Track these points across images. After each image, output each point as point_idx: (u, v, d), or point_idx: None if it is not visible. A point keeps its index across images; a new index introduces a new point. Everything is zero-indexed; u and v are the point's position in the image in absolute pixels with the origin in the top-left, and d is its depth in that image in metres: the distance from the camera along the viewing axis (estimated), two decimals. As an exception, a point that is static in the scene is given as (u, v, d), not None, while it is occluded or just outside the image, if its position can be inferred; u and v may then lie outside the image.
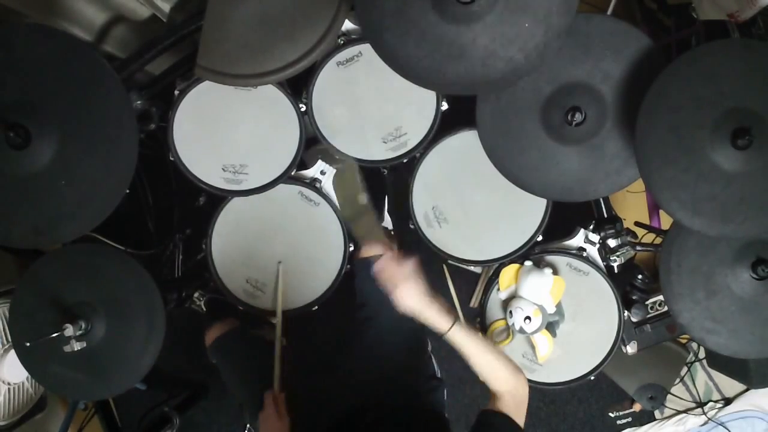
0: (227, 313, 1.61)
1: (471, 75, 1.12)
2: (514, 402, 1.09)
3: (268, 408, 1.24)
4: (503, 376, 1.11)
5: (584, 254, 1.48)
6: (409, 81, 1.16)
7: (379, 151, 1.45)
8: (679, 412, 2.17)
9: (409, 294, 1.11)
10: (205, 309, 1.77)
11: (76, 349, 1.19)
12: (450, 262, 1.56)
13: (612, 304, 1.46)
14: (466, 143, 1.44)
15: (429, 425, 1.18)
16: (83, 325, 1.22)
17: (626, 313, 1.49)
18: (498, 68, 1.11)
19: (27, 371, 1.33)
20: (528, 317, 1.39)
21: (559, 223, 1.50)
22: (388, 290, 1.12)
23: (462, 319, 1.13)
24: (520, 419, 1.08)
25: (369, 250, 1.51)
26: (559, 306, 1.44)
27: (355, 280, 1.52)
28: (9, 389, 1.65)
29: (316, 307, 1.51)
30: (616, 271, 1.53)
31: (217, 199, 1.49)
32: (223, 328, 1.56)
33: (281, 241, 1.51)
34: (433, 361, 1.51)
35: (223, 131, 1.42)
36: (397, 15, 1.10)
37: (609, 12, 1.59)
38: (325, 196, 1.49)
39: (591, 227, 1.52)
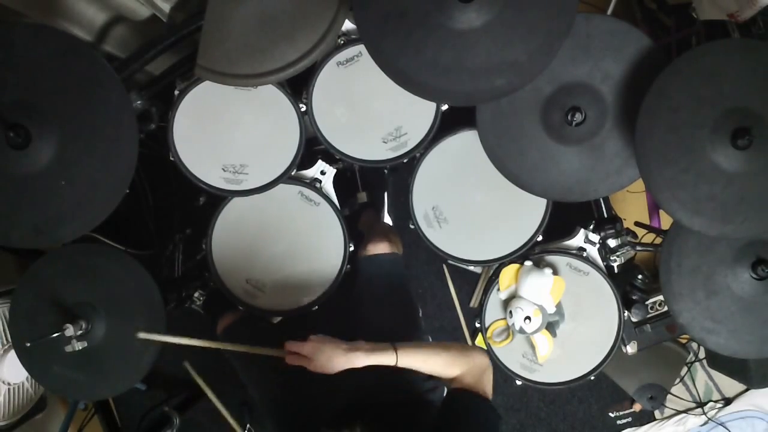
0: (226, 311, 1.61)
1: (471, 85, 1.13)
2: (471, 377, 1.11)
3: None
4: (454, 364, 1.13)
5: (584, 254, 1.48)
6: (409, 91, 1.17)
7: (379, 151, 1.45)
8: (679, 412, 2.17)
9: (341, 362, 1.10)
10: (202, 311, 1.78)
11: (77, 349, 1.19)
12: (450, 262, 1.56)
13: (612, 304, 1.46)
14: (466, 143, 1.44)
15: (426, 422, 1.18)
16: (84, 325, 1.22)
17: (626, 313, 1.49)
18: (497, 79, 1.12)
19: (27, 371, 1.33)
20: (528, 317, 1.39)
21: (559, 223, 1.50)
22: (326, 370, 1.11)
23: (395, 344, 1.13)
24: (482, 387, 1.11)
25: (375, 248, 1.52)
26: (559, 306, 1.44)
27: (357, 277, 1.52)
28: (9, 389, 1.65)
29: (316, 307, 1.51)
30: (616, 271, 1.54)
31: (217, 199, 1.49)
32: (234, 316, 1.56)
33: (281, 241, 1.51)
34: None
35: (223, 131, 1.42)
36: (396, 21, 1.11)
37: (609, 12, 1.59)
38: (325, 196, 1.49)
39: (591, 227, 1.52)
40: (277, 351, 1.15)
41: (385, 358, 1.11)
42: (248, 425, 2.11)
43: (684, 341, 2.13)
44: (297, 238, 1.51)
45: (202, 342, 1.23)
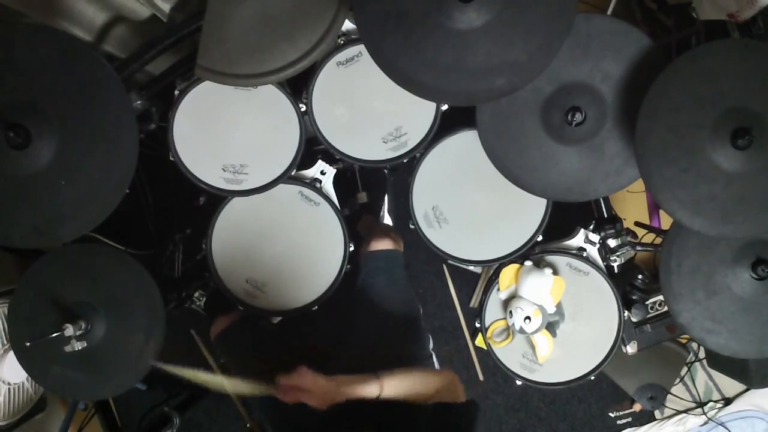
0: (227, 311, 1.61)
1: (471, 85, 1.13)
2: (448, 393, 1.16)
3: None
4: (433, 388, 1.16)
5: (584, 254, 1.48)
6: (409, 91, 1.17)
7: (379, 151, 1.45)
8: (679, 412, 2.17)
9: (325, 397, 1.08)
10: (203, 311, 1.78)
11: (76, 349, 1.19)
12: (450, 262, 1.56)
13: (612, 304, 1.46)
14: (466, 143, 1.44)
15: (424, 422, 1.18)
16: (83, 325, 1.22)
17: (626, 313, 1.49)
18: (497, 79, 1.12)
19: (27, 371, 1.32)
20: (528, 317, 1.39)
21: (559, 223, 1.50)
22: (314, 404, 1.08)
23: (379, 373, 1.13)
24: (456, 398, 1.17)
25: (378, 245, 1.52)
26: (559, 306, 1.44)
27: (359, 275, 1.53)
28: (9, 389, 1.65)
29: (316, 307, 1.51)
30: (616, 271, 1.54)
31: (217, 199, 1.49)
32: (227, 320, 1.56)
33: (281, 241, 1.51)
34: (434, 359, 1.52)
35: (223, 131, 1.43)
36: (396, 21, 1.11)
37: (609, 12, 1.59)
38: (325, 196, 1.49)
39: (591, 227, 1.52)
40: (272, 388, 1.12)
41: (369, 389, 1.12)
42: (248, 425, 2.11)
43: (684, 341, 2.13)
44: (297, 238, 1.51)
45: (202, 375, 1.21)
